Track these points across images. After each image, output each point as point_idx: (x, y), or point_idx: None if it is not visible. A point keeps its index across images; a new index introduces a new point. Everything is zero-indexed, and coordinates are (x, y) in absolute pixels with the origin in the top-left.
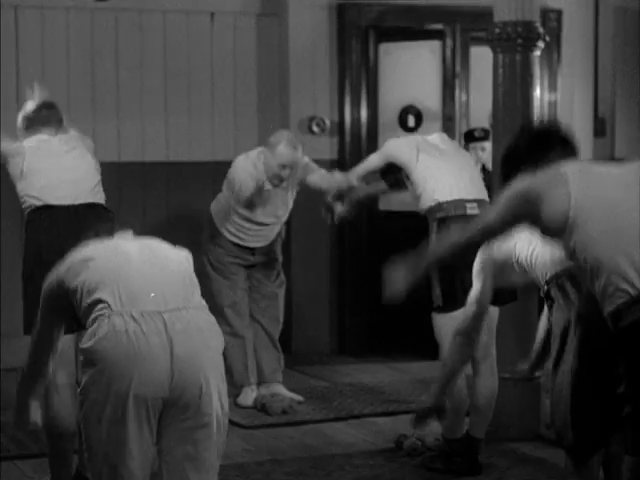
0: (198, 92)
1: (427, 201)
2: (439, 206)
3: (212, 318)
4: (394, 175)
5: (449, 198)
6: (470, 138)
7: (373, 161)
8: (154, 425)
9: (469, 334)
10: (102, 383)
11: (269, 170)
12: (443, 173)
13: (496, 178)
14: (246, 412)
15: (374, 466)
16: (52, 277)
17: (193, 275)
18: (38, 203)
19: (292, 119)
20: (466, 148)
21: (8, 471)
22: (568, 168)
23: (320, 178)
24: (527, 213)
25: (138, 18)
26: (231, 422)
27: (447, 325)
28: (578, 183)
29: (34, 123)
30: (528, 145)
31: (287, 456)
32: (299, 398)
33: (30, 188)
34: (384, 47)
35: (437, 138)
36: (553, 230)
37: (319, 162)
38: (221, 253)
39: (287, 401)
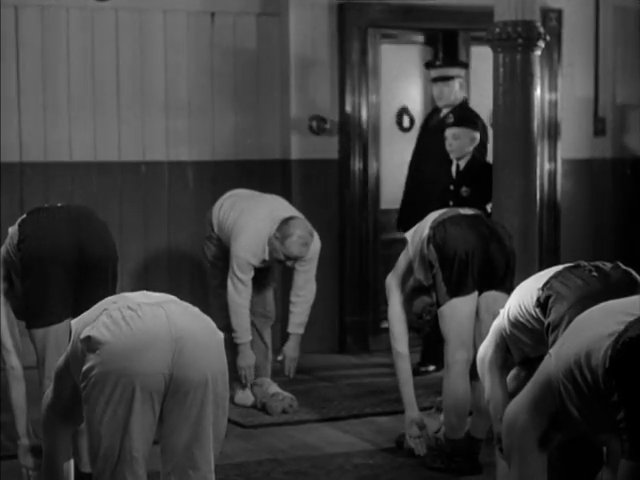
0: (198, 92)
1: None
2: (433, 222)
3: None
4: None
5: (439, 214)
6: (441, 123)
7: (395, 309)
8: (157, 405)
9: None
10: (103, 366)
11: (274, 253)
12: (431, 214)
13: (497, 184)
14: (246, 411)
15: (374, 466)
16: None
17: None
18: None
19: (292, 119)
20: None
21: (8, 471)
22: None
23: (296, 310)
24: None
25: (138, 18)
26: (231, 421)
27: (450, 323)
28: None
29: None
30: None
31: (287, 455)
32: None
33: None
34: (385, 47)
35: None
36: None
37: (319, 162)
38: (218, 252)
39: (287, 400)
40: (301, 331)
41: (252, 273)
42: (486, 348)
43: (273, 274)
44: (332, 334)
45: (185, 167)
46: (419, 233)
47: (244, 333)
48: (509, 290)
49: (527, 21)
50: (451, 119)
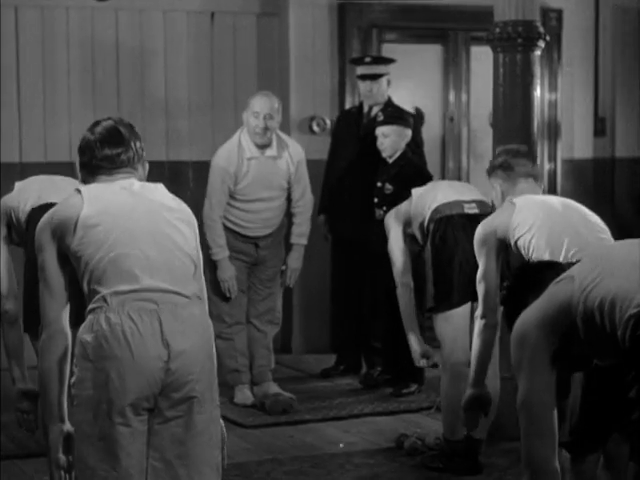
0: (198, 92)
1: (427, 215)
2: (436, 210)
3: (204, 310)
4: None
5: (444, 201)
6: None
7: (397, 242)
8: (146, 423)
9: (486, 316)
10: (99, 380)
11: (249, 128)
12: (440, 187)
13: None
14: (246, 411)
15: (374, 465)
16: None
17: (194, 250)
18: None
19: (292, 119)
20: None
21: (8, 471)
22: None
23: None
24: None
25: (138, 18)
26: (231, 421)
27: (445, 325)
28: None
29: None
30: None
31: (287, 455)
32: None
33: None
34: (387, 47)
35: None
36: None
37: (319, 162)
38: None
39: (287, 400)
40: (303, 241)
41: (228, 184)
42: (489, 230)
43: (281, 280)
44: (331, 334)
45: (185, 167)
46: (425, 198)
47: (219, 249)
48: None
49: (527, 21)
50: (381, 117)
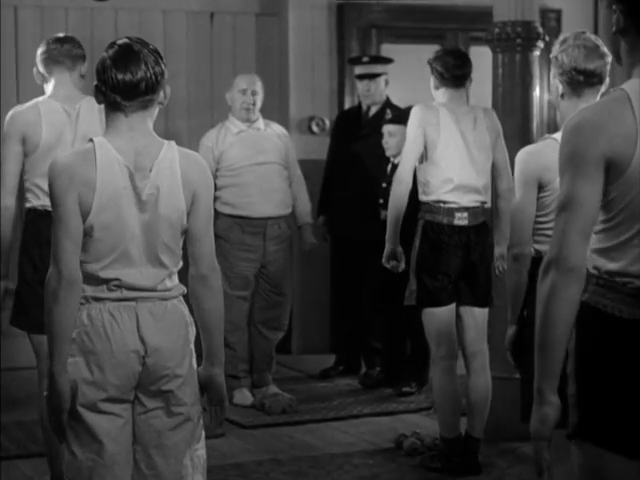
0: (198, 92)
1: (422, 194)
2: (429, 206)
3: (183, 309)
4: None
5: (442, 204)
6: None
7: (416, 146)
8: (129, 411)
9: (513, 246)
10: (81, 373)
11: (236, 106)
12: (448, 167)
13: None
14: (245, 411)
15: (373, 466)
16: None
17: (180, 256)
18: (38, 203)
19: (292, 119)
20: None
21: (8, 471)
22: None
23: (298, 207)
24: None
25: (138, 18)
26: (230, 422)
27: (430, 320)
28: None
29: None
30: None
31: (286, 455)
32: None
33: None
34: (386, 48)
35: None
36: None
37: (318, 162)
38: (228, 250)
39: (286, 401)
40: (310, 220)
41: (207, 158)
42: (530, 158)
43: (290, 288)
44: (330, 334)
45: None
46: (438, 161)
47: None
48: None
49: (526, 21)
50: (389, 115)
